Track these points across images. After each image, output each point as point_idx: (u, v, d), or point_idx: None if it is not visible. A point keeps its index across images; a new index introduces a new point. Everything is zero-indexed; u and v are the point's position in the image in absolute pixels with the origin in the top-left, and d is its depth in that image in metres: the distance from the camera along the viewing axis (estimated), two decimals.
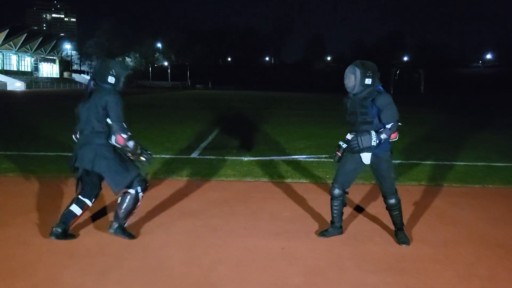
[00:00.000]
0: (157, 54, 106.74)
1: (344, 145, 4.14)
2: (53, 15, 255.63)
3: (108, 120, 3.72)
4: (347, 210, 4.95)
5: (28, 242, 3.87)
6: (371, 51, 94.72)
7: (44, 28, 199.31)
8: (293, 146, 9.61)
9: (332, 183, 4.20)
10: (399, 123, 3.85)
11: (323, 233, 4.20)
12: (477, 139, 11.39)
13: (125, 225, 3.96)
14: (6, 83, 62.86)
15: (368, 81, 3.81)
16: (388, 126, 3.78)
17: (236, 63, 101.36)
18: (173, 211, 4.81)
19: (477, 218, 4.76)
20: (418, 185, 6.16)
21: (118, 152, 3.83)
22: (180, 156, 8.13)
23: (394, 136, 3.85)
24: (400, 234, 4.05)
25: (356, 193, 5.64)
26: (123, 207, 3.86)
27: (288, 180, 6.41)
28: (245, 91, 62.15)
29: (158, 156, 8.03)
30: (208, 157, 8.15)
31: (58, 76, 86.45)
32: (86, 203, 3.97)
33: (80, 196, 3.97)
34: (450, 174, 6.88)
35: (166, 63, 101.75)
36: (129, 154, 3.84)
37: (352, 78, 3.83)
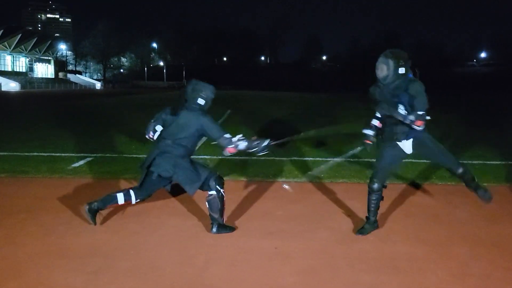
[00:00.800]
0: (153, 54, 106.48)
1: (370, 132, 4.19)
2: (48, 15, 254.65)
3: (214, 140, 4.10)
4: (340, 209, 4.94)
5: (19, 243, 3.83)
6: (368, 50, 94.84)
7: (39, 28, 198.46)
8: (289, 145, 9.57)
9: (371, 177, 4.17)
10: (428, 117, 3.83)
11: (360, 231, 4.17)
12: (472, 138, 11.40)
13: (224, 221, 4.19)
14: (0, 83, 62.51)
15: (401, 70, 3.83)
16: (419, 112, 3.76)
17: (233, 63, 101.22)
18: (165, 211, 4.77)
19: (471, 216, 4.75)
20: (413, 184, 6.14)
21: (192, 161, 4.16)
22: None
23: (420, 124, 3.79)
24: (480, 191, 4.08)
25: (350, 191, 5.62)
26: (214, 209, 4.08)
27: (282, 179, 6.38)
28: (241, 90, 62.11)
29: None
30: (202, 156, 8.10)
31: (53, 77, 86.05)
32: (131, 199, 4.14)
33: (131, 190, 4.16)
34: (445, 172, 6.83)
35: (161, 63, 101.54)
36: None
37: (385, 69, 3.84)
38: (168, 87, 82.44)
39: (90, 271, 3.31)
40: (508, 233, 4.23)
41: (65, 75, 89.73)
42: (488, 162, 7.78)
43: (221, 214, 4.14)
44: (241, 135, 4.11)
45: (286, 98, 37.72)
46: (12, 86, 63.74)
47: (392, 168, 4.14)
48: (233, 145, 4.03)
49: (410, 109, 3.81)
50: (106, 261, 3.49)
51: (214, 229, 4.12)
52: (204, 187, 4.11)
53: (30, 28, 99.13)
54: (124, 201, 4.13)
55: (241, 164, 7.45)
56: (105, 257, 3.55)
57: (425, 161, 7.75)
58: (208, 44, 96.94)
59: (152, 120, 4.22)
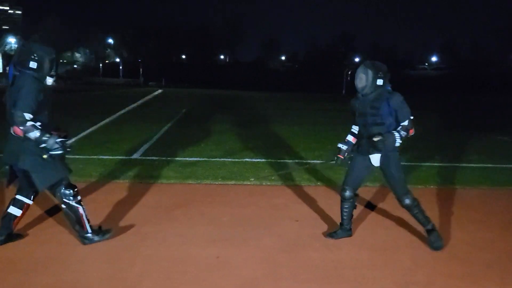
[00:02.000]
0: (108, 50, 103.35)
1: (344, 147, 4.14)
2: None
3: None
4: (287, 214, 4.79)
5: None
6: (324, 51, 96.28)
7: None
8: (240, 146, 9.40)
9: (342, 185, 4.12)
10: (412, 117, 3.84)
11: (331, 234, 4.11)
12: (421, 139, 11.63)
13: (90, 230, 3.71)
14: None
15: (379, 82, 3.81)
16: (405, 123, 3.77)
17: (191, 61, 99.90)
18: (102, 218, 4.44)
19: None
20: (363, 186, 6.08)
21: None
22: (121, 157, 7.69)
23: (412, 132, 3.83)
24: (432, 236, 3.90)
25: (301, 195, 5.51)
26: (72, 221, 3.65)
27: (232, 182, 6.18)
28: (199, 89, 61.38)
29: (95, 157, 7.56)
30: (150, 158, 7.77)
31: (1, 71, 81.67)
32: (25, 202, 3.71)
33: (17, 196, 3.69)
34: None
35: (118, 59, 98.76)
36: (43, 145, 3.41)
37: (364, 79, 3.82)
38: (124, 84, 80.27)
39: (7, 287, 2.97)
40: (456, 238, 4.21)
41: None
42: (436, 164, 7.91)
43: (82, 225, 3.66)
44: (39, 124, 3.37)
45: (237, 97, 37.57)
46: None
47: (363, 176, 4.09)
48: (23, 127, 3.29)
49: (392, 120, 3.81)
50: (25, 277, 3.15)
51: (86, 240, 3.69)
52: (55, 193, 3.59)
53: None
54: (22, 209, 3.67)
55: (189, 165, 7.18)
56: (25, 273, 3.21)
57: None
58: (165, 41, 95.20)
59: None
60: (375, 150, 3.83)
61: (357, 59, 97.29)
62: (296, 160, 7.92)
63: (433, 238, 3.92)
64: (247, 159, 7.87)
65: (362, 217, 4.76)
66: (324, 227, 4.43)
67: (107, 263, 3.43)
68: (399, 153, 3.92)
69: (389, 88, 3.89)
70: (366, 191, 5.81)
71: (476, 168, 7.70)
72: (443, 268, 3.54)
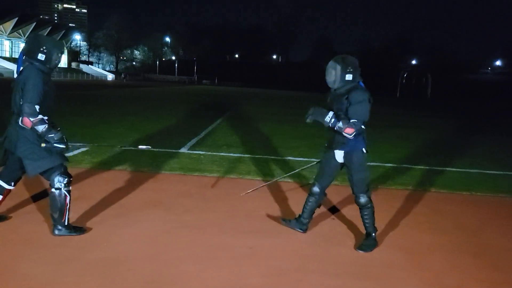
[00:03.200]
0: (165, 48, 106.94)
1: None
2: (65, 5, 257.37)
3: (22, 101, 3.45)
4: (324, 211, 4.87)
5: None
6: (379, 53, 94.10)
7: (55, 18, 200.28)
8: (286, 145, 9.52)
9: (314, 179, 4.18)
10: (363, 126, 3.72)
11: (285, 220, 4.27)
12: (473, 145, 11.24)
13: (66, 222, 3.75)
14: (13, 70, 63.11)
15: (348, 77, 3.71)
16: (352, 120, 3.65)
17: (243, 60, 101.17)
18: (147, 205, 4.74)
19: (457, 225, 4.65)
20: (404, 190, 6.05)
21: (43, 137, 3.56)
22: (169, 150, 8.07)
23: (349, 131, 3.62)
24: (367, 240, 3.90)
25: (335, 194, 5.55)
26: (54, 208, 3.68)
27: (274, 179, 6.32)
28: (251, 88, 62.07)
29: (145, 149, 7.97)
30: (197, 152, 8.09)
31: (66, 66, 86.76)
32: (4, 187, 3.79)
33: None
34: (439, 180, 6.76)
35: (173, 58, 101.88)
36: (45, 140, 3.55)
37: (333, 73, 3.75)
38: (179, 81, 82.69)
39: (58, 261, 3.29)
40: (490, 244, 4.13)
41: (78, 65, 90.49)
42: (485, 171, 7.65)
43: (62, 214, 3.69)
44: (46, 118, 3.49)
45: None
46: None
47: (332, 174, 4.03)
48: (34, 118, 3.40)
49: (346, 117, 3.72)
50: (76, 252, 3.46)
51: (56, 231, 3.72)
52: (49, 178, 3.67)
53: (46, 17, 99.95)
54: (2, 194, 3.77)
55: (233, 160, 7.40)
56: (76, 248, 3.53)
57: (420, 167, 7.66)
58: (219, 40, 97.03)
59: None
60: (338, 145, 3.81)
61: (414, 62, 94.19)
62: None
63: (366, 242, 3.88)
64: (289, 158, 7.99)
65: (398, 219, 4.74)
66: (360, 226, 4.46)
67: (149, 245, 3.69)
68: (365, 153, 3.81)
69: (361, 83, 3.78)
70: (402, 195, 5.77)
71: None
72: (476, 273, 3.49)
